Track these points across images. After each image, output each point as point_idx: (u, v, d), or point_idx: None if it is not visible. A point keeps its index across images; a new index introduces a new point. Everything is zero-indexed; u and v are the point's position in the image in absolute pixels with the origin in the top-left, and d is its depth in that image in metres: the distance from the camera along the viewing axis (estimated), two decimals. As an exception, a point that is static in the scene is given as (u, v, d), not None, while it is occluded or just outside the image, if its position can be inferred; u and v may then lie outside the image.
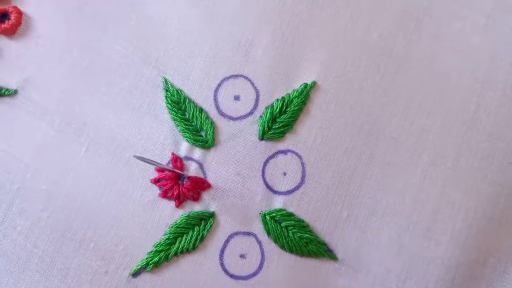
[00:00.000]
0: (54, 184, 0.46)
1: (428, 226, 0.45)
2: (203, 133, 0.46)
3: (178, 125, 0.46)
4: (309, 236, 0.45)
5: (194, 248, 0.44)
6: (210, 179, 0.46)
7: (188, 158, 0.46)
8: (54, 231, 0.45)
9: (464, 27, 0.47)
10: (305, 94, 0.46)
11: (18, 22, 0.48)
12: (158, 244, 0.44)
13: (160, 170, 0.45)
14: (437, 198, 0.45)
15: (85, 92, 0.47)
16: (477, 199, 0.45)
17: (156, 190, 0.45)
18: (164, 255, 0.44)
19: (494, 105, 0.46)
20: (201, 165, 0.46)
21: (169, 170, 0.45)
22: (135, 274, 0.44)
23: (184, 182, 0.45)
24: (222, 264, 0.45)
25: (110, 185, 0.46)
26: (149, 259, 0.44)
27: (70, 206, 0.45)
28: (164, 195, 0.45)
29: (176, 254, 0.44)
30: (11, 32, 0.48)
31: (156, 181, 0.45)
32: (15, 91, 0.47)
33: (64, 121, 0.47)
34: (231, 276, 0.44)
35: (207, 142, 0.46)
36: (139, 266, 0.44)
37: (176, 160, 0.46)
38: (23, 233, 0.45)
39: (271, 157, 0.46)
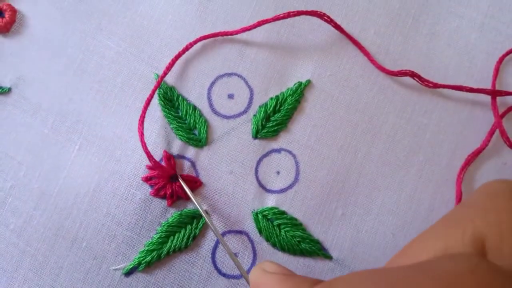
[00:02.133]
0: (47, 182, 0.45)
1: (423, 226, 0.44)
2: (196, 132, 0.46)
3: (171, 123, 0.46)
4: (302, 234, 0.44)
5: (187, 247, 0.44)
6: (203, 177, 0.46)
7: (181, 156, 0.46)
8: (46, 230, 0.45)
9: (461, 25, 0.47)
10: (299, 92, 0.46)
11: (12, 20, 0.48)
12: (150, 243, 0.44)
13: (151, 168, 0.45)
14: (432, 197, 0.45)
15: (78, 89, 0.47)
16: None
17: (147, 189, 0.45)
18: (156, 254, 0.44)
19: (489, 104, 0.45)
20: (193, 164, 0.46)
21: (162, 169, 0.44)
22: (128, 273, 0.44)
23: (177, 181, 0.45)
24: (214, 263, 0.44)
25: (102, 183, 0.45)
26: (141, 258, 0.44)
27: (62, 205, 0.45)
28: (156, 193, 0.45)
29: (168, 253, 0.44)
30: (5, 30, 0.48)
31: (147, 180, 0.45)
32: (9, 89, 0.47)
33: (57, 119, 0.46)
34: (224, 275, 0.44)
35: (200, 140, 0.46)
36: (131, 266, 0.44)
37: (169, 158, 0.45)
38: (16, 231, 0.45)
39: (264, 156, 0.46)
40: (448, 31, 0.47)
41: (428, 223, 0.44)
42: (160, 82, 0.45)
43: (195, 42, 0.46)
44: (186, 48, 0.46)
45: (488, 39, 0.46)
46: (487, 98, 0.45)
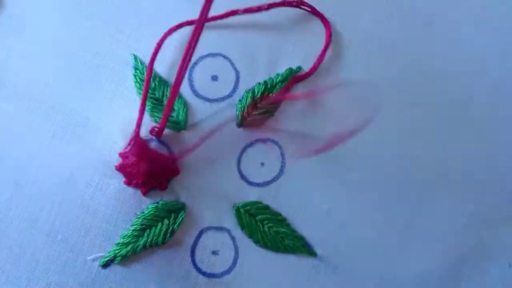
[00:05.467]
0: (21, 171, 0.42)
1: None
2: (174, 114, 0.43)
3: (146, 105, 0.42)
4: (285, 230, 0.42)
5: (164, 242, 0.42)
6: (179, 165, 0.42)
7: (155, 140, 0.43)
8: (22, 221, 0.42)
9: (458, 17, 0.44)
10: (289, 79, 0.42)
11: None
12: (125, 236, 0.42)
13: (124, 156, 0.42)
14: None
15: (54, 72, 0.43)
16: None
17: (121, 178, 0.42)
18: (131, 248, 0.41)
19: (485, 99, 0.44)
20: (169, 149, 0.43)
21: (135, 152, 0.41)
22: (105, 265, 0.42)
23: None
24: (193, 261, 0.42)
25: (76, 173, 0.42)
26: (117, 251, 0.41)
27: (37, 196, 0.42)
28: (129, 182, 0.42)
29: (145, 247, 0.41)
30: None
31: (119, 169, 0.42)
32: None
33: (32, 104, 0.43)
34: (203, 273, 0.42)
35: (179, 123, 0.42)
36: (107, 258, 0.41)
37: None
38: None
39: (248, 146, 0.43)
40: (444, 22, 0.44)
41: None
42: (149, 79, 0.41)
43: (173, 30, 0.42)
44: (165, 36, 0.42)
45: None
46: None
